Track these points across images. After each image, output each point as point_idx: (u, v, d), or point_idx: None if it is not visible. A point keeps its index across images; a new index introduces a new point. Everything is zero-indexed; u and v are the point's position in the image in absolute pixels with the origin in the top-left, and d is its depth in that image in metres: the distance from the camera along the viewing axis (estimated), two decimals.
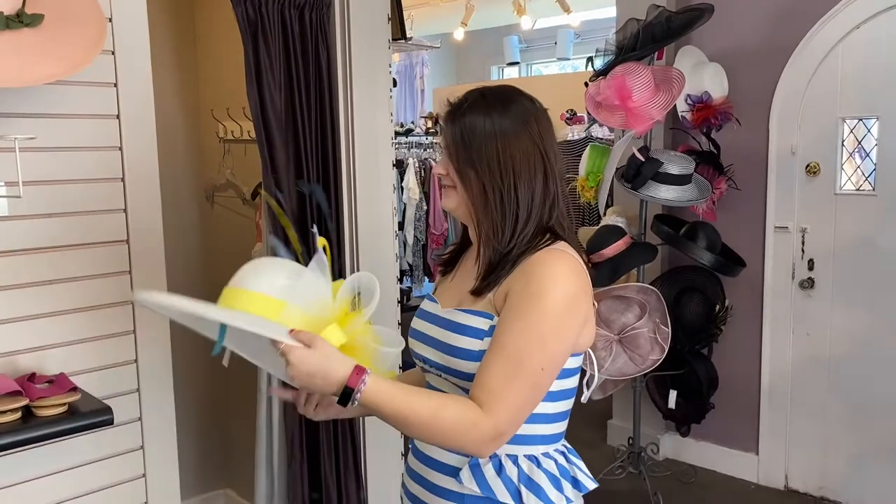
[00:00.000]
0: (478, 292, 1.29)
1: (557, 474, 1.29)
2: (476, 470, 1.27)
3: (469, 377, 1.25)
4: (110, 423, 1.73)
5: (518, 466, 1.27)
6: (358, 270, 2.62)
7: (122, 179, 2.00)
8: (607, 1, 4.32)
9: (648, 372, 3.30)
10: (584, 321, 1.26)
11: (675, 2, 3.66)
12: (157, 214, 2.08)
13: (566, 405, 1.33)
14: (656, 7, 3.26)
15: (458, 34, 6.70)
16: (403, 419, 1.19)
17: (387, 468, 2.76)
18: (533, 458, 1.29)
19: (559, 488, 1.28)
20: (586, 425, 4.18)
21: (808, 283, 3.48)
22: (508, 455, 1.28)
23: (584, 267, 1.29)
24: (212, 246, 3.21)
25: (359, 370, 1.17)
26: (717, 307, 3.53)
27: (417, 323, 1.41)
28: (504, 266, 1.26)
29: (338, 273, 2.54)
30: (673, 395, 3.51)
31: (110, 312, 2.00)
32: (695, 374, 3.47)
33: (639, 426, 3.62)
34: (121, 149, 1.99)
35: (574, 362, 1.31)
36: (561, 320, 1.22)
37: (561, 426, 1.33)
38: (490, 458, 1.27)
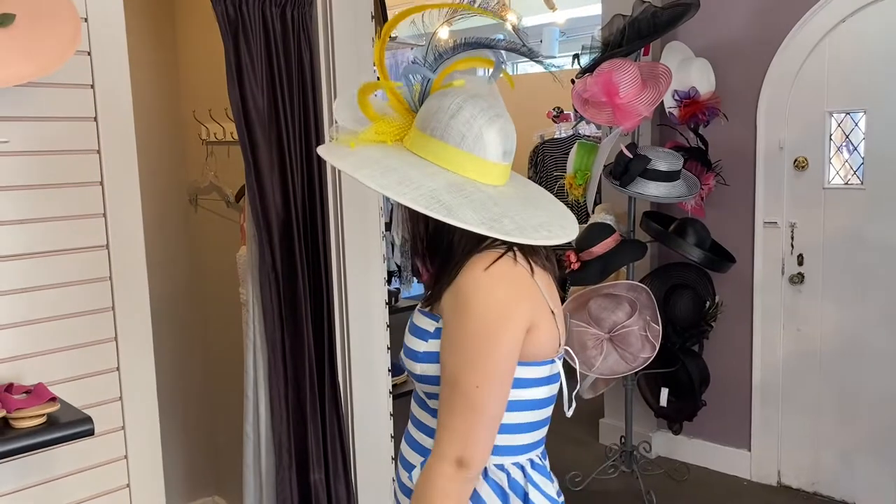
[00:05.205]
0: (432, 298, 1.25)
1: (506, 486, 1.24)
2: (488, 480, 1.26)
3: (420, 379, 1.25)
4: (91, 433, 1.68)
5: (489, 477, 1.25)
6: (344, 272, 2.58)
7: (101, 184, 1.94)
8: None
9: (640, 370, 3.28)
10: (525, 327, 1.18)
11: None
12: (138, 219, 2.03)
13: (529, 416, 1.25)
14: (642, 3, 3.24)
15: (444, 33, 6.67)
16: None
17: (377, 473, 2.73)
18: (502, 467, 1.26)
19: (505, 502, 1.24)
20: (578, 424, 4.16)
21: (797, 279, 3.47)
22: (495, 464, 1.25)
23: (530, 270, 1.22)
24: (196, 249, 3.15)
25: None
26: (708, 304, 3.52)
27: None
28: (447, 272, 1.22)
29: (324, 276, 2.50)
30: (664, 392, 3.49)
31: (90, 320, 1.95)
32: (686, 371, 3.46)
33: (631, 424, 3.60)
34: (99, 152, 1.94)
35: (534, 372, 1.23)
36: (490, 332, 1.14)
37: (524, 438, 1.26)
38: (483, 475, 1.24)
